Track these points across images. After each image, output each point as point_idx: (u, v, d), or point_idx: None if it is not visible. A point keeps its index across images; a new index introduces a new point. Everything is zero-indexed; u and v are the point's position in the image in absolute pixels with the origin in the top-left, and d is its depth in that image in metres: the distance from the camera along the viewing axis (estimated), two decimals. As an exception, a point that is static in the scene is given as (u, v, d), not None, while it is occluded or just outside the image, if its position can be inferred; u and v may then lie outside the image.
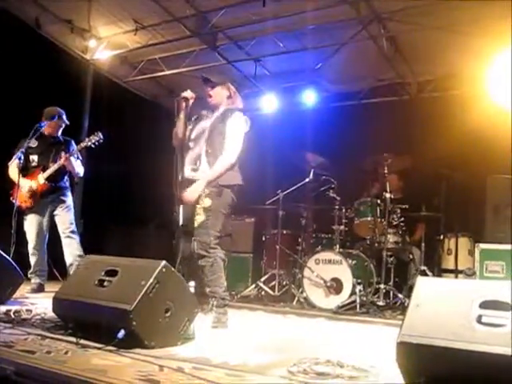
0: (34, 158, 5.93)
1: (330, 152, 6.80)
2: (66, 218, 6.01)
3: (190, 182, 4.19)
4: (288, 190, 6.62)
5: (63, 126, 6.10)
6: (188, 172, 4.27)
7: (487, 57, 6.07)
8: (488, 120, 6.17)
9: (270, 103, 8.99)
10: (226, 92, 4.56)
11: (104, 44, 8.05)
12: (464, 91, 7.39)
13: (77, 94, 7.99)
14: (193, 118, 4.62)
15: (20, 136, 5.80)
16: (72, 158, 5.89)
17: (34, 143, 5.84)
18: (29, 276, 5.83)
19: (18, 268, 4.92)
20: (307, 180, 6.50)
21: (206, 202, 4.13)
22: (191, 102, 4.38)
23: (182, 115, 4.38)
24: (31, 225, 5.90)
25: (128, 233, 8.91)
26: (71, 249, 5.91)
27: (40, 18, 7.36)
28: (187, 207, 4.15)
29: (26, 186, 5.78)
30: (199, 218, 4.13)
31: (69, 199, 6.10)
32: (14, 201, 5.66)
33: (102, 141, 5.86)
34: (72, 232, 5.99)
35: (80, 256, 5.72)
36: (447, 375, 2.14)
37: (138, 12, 7.25)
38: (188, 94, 4.34)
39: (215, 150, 4.25)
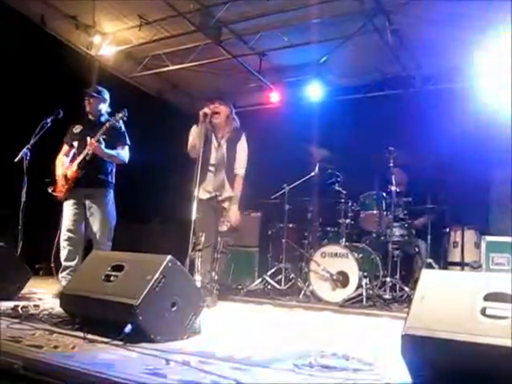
0: (75, 143, 5.49)
1: (336, 145, 6.80)
2: (95, 220, 5.38)
3: (221, 200, 5.29)
4: (294, 184, 6.63)
5: (100, 104, 5.59)
6: (220, 192, 5.27)
7: (491, 50, 6.05)
8: (493, 113, 6.15)
9: (275, 97, 8.99)
10: (228, 110, 5.33)
11: (109, 40, 8.05)
12: (469, 84, 7.36)
13: (82, 90, 7.99)
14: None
15: (22, 131, 5.78)
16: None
17: (78, 128, 5.55)
18: (59, 277, 5.27)
19: (25, 264, 4.96)
20: (313, 174, 6.51)
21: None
22: (210, 117, 5.15)
23: (201, 129, 5.08)
24: (64, 216, 5.38)
25: (133, 228, 8.92)
26: None
27: (45, 14, 7.36)
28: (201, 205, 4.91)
29: (61, 175, 5.43)
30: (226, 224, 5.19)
31: (106, 198, 5.44)
32: (52, 192, 5.40)
33: (126, 117, 5.38)
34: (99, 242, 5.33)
35: None
36: (452, 367, 2.15)
37: (143, 7, 7.24)
38: (208, 110, 5.11)
39: (231, 171, 5.30)
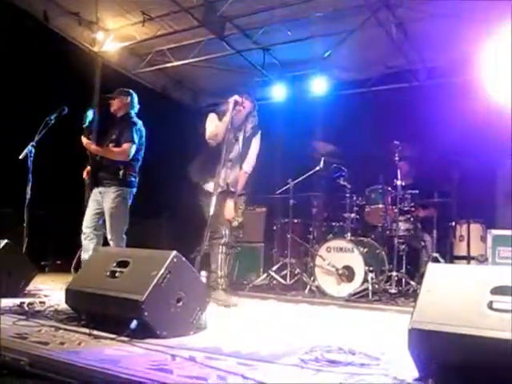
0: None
1: (340, 140, 6.78)
2: (107, 216, 5.36)
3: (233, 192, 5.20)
4: (299, 179, 6.62)
5: (119, 105, 5.59)
6: (233, 185, 5.22)
7: (496, 43, 6.02)
8: (499, 105, 6.11)
9: (279, 92, 8.97)
10: (251, 106, 5.27)
11: (112, 36, 8.04)
12: (474, 77, 7.32)
13: (85, 87, 8.00)
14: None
15: (26, 128, 5.79)
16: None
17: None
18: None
19: (31, 261, 4.98)
20: (318, 168, 6.49)
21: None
22: (238, 107, 5.01)
23: (227, 118, 4.95)
24: (88, 205, 5.48)
25: (141, 224, 8.93)
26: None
27: (47, 11, 7.35)
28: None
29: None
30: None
31: (114, 196, 5.36)
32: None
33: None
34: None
35: None
36: (459, 361, 2.13)
37: (146, 3, 7.23)
38: (239, 99, 4.99)
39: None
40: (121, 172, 5.38)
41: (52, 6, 7.34)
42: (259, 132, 5.33)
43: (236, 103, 4.96)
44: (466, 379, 2.09)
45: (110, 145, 5.41)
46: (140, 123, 5.60)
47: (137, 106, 5.72)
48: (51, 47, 7.19)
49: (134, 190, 5.57)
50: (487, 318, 2.12)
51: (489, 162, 6.17)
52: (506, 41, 5.59)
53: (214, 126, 5.07)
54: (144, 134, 5.63)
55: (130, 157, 5.39)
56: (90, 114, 5.62)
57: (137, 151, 5.49)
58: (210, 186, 4.94)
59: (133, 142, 5.40)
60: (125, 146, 5.36)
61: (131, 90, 5.73)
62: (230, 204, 5.18)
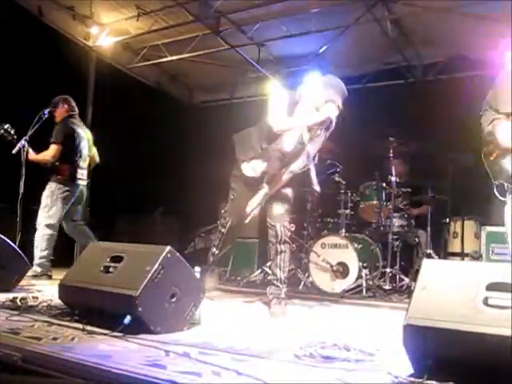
0: None
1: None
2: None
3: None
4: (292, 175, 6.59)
5: (60, 112, 6.06)
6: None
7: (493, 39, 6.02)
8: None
9: (273, 88, 8.95)
10: None
11: (106, 30, 8.00)
12: (470, 74, 7.32)
13: (80, 81, 7.97)
14: None
15: (23, 124, 5.80)
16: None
17: None
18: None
19: (23, 256, 4.95)
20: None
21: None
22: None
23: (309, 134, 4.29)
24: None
25: (135, 220, 8.93)
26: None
27: (42, 5, 7.32)
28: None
29: None
30: (283, 205, 4.52)
31: (47, 190, 5.90)
32: None
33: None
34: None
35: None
36: (454, 358, 2.13)
37: (140, -3, 7.21)
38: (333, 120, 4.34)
39: None
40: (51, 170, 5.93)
41: (46, 0, 7.30)
42: None
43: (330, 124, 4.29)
44: (462, 375, 2.08)
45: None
46: (76, 123, 6.14)
47: (76, 110, 6.19)
48: (45, 42, 7.15)
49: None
50: (483, 314, 2.11)
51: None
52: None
53: (287, 123, 4.35)
54: (82, 134, 6.14)
55: (56, 157, 5.85)
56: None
57: (69, 152, 5.95)
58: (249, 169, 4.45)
59: (53, 142, 5.85)
60: (50, 147, 5.87)
61: (67, 96, 6.14)
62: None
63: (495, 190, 3.63)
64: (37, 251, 5.75)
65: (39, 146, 5.84)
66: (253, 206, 4.45)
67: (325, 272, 5.88)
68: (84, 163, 6.15)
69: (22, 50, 6.73)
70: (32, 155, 5.83)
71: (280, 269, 4.50)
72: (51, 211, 5.84)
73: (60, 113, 6.04)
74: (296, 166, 4.42)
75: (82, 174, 6.12)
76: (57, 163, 5.89)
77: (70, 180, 5.98)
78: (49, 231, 5.82)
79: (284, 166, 4.42)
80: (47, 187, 5.87)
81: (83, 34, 8.04)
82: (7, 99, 6.16)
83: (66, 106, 6.06)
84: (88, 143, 6.24)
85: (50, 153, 5.84)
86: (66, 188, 5.93)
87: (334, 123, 4.25)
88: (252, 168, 4.42)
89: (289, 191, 4.59)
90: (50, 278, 5.77)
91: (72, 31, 7.92)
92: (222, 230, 4.78)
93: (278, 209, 4.50)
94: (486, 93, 3.74)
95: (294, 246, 6.00)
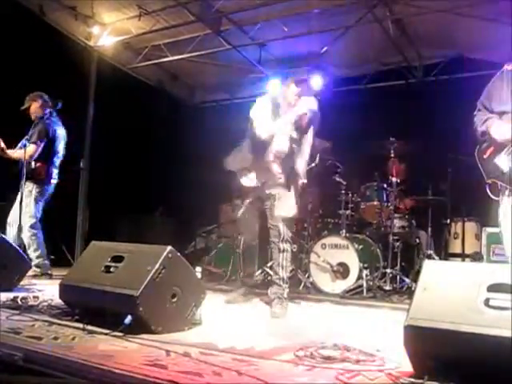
0: None
1: (336, 137, 6.76)
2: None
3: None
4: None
5: (34, 109, 6.01)
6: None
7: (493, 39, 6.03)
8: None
9: (274, 88, 8.93)
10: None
11: (108, 30, 8.00)
12: (471, 74, 7.32)
13: (81, 81, 7.97)
14: None
15: (22, 123, 5.84)
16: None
17: None
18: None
19: (24, 256, 4.96)
20: (313, 165, 6.47)
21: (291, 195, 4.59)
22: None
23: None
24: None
25: (136, 219, 8.93)
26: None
27: (44, 5, 7.31)
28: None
29: None
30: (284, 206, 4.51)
31: (26, 190, 5.79)
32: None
33: None
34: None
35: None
36: (455, 358, 2.13)
37: (142, -3, 7.20)
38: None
39: None
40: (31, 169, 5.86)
41: (48, 0, 7.30)
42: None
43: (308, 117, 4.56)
44: (462, 376, 2.09)
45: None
46: (56, 121, 6.06)
47: (50, 106, 6.04)
48: (47, 41, 7.14)
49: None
50: (483, 315, 2.12)
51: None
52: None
53: (266, 128, 4.53)
54: (61, 134, 6.10)
55: (34, 157, 5.81)
56: None
57: (48, 152, 5.95)
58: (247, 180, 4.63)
59: (36, 143, 5.82)
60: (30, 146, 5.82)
61: (42, 93, 6.08)
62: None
63: (488, 189, 3.64)
64: (30, 252, 5.76)
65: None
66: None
67: (325, 272, 5.88)
68: (58, 162, 6.14)
69: (24, 49, 6.73)
70: (9, 152, 5.81)
71: (282, 268, 4.52)
72: (32, 211, 5.83)
73: (35, 110, 5.99)
74: (279, 147, 4.52)
75: (56, 174, 6.10)
76: (37, 163, 5.86)
77: (47, 180, 5.97)
78: (34, 231, 5.84)
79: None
80: (25, 187, 5.75)
81: (85, 33, 8.04)
82: (8, 98, 6.16)
83: (41, 102, 6.01)
84: (63, 141, 6.20)
85: (29, 152, 5.77)
86: (44, 187, 5.94)
87: (316, 116, 4.62)
88: (249, 178, 4.61)
89: (290, 192, 4.59)
90: (50, 277, 5.77)
91: (74, 31, 7.92)
92: (238, 251, 4.96)
93: (279, 209, 4.52)
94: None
95: (296, 246, 6.01)
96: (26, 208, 5.75)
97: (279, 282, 4.51)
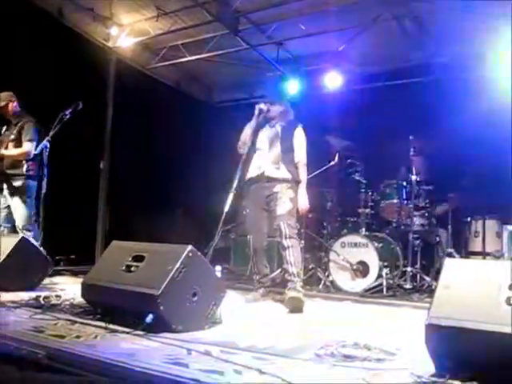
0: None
1: (355, 135, 6.75)
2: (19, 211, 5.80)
3: (272, 178, 4.86)
4: (313, 174, 6.58)
5: (10, 108, 6.00)
6: (271, 170, 4.87)
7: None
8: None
9: (293, 87, 8.93)
10: (281, 108, 5.13)
11: (126, 31, 8.04)
12: (492, 72, 7.24)
13: (100, 82, 8.03)
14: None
15: (41, 124, 5.88)
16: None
17: None
18: None
19: (46, 255, 5.01)
20: (332, 163, 6.46)
21: (291, 194, 4.82)
22: (263, 114, 4.99)
23: (254, 123, 4.97)
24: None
25: (156, 219, 8.96)
26: None
27: (62, 7, 7.37)
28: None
29: None
30: (287, 206, 4.75)
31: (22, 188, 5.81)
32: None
33: None
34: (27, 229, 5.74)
35: None
36: (476, 357, 2.12)
37: (160, -2, 7.23)
38: (264, 106, 4.97)
39: (288, 153, 4.94)
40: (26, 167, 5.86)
41: (67, 2, 7.35)
42: (299, 125, 5.13)
43: (261, 111, 4.97)
44: (484, 375, 2.07)
45: (10, 144, 5.83)
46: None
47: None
48: (66, 43, 7.20)
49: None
50: (506, 313, 2.10)
51: (505, 156, 6.10)
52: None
53: (243, 136, 5.05)
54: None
55: (30, 155, 5.77)
56: None
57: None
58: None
59: (31, 140, 5.82)
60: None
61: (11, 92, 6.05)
62: (303, 191, 4.96)
63: None
64: None
65: (62, 146, 5.89)
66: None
67: (345, 271, 5.87)
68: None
69: (42, 51, 6.78)
70: (7, 151, 5.80)
71: (291, 264, 4.64)
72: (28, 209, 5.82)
73: (13, 109, 5.97)
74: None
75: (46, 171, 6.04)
76: (29, 161, 5.85)
77: (37, 176, 5.92)
78: (28, 233, 5.72)
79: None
80: (18, 185, 5.79)
81: (103, 34, 8.09)
82: (27, 100, 6.22)
83: (16, 101, 6.01)
84: None
85: (26, 150, 5.79)
86: (34, 183, 5.90)
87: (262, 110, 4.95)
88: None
89: (290, 192, 4.83)
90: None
91: (92, 32, 7.98)
92: (248, 252, 5.13)
93: (281, 210, 4.73)
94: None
95: (303, 242, 6.05)
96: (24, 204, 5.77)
97: (290, 277, 4.63)
